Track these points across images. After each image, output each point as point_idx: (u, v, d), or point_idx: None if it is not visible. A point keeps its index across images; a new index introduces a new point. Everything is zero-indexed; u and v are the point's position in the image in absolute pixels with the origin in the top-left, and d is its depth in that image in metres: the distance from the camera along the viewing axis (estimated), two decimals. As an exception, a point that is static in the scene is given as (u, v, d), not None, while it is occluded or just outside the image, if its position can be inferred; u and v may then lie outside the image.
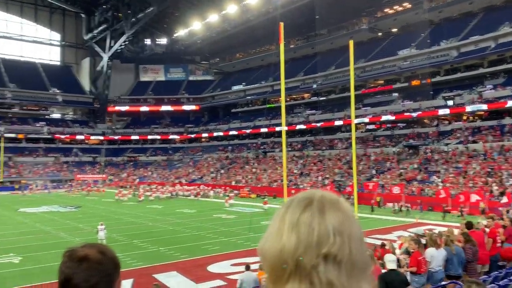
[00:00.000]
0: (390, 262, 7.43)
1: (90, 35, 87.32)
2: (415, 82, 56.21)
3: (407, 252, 10.28)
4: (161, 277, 15.11)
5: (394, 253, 10.31)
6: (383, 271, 8.25)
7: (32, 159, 73.71)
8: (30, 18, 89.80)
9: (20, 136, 75.28)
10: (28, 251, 19.85)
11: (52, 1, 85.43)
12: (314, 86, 68.86)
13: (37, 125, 79.10)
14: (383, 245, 12.38)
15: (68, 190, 60.80)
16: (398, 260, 9.65)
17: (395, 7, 64.57)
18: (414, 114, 52.54)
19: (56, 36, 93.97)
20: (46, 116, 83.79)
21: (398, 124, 56.21)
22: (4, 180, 65.20)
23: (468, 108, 47.64)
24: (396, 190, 37.67)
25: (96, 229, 21.56)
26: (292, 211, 0.82)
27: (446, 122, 51.55)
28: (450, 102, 50.05)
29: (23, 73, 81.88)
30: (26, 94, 79.87)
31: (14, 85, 78.83)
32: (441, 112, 50.24)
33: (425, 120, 54.21)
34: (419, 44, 57.74)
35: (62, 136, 79.64)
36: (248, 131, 74.65)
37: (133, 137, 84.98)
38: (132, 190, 54.03)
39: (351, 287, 0.78)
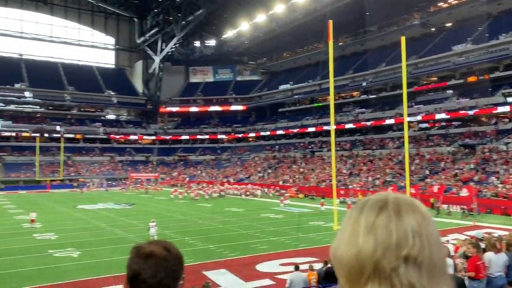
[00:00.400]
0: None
1: (142, 38, 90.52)
2: (471, 79, 53.59)
3: (464, 256, 9.82)
4: (210, 274, 15.32)
5: (449, 257, 9.87)
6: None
7: (89, 158, 77.44)
8: (87, 23, 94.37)
9: (78, 136, 79.33)
10: (85, 246, 20.82)
11: (107, 7, 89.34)
12: (364, 84, 67.39)
13: (93, 125, 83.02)
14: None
15: (123, 188, 63.19)
16: (455, 264, 9.24)
17: (449, 1, 61.87)
18: (471, 112, 50.10)
19: (111, 40, 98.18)
20: (102, 117, 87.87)
21: (453, 123, 53.84)
22: (63, 178, 68.89)
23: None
24: (464, 192, 35.53)
25: (148, 226, 22.27)
26: (367, 214, 0.82)
27: (506, 120, 48.72)
28: (511, 99, 47.30)
29: (80, 76, 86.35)
30: (83, 96, 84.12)
31: (73, 88, 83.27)
32: (500, 109, 47.59)
33: (482, 118, 51.58)
34: (475, 39, 55.00)
35: (117, 136, 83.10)
36: (295, 130, 74.34)
37: (183, 137, 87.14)
38: (186, 189, 55.22)
39: None
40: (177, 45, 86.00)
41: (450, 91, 57.06)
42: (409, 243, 0.78)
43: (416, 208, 0.83)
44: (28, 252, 19.83)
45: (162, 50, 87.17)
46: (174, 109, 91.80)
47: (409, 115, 52.75)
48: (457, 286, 7.10)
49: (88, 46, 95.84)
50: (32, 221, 26.76)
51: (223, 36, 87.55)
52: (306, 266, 11.64)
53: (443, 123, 54.98)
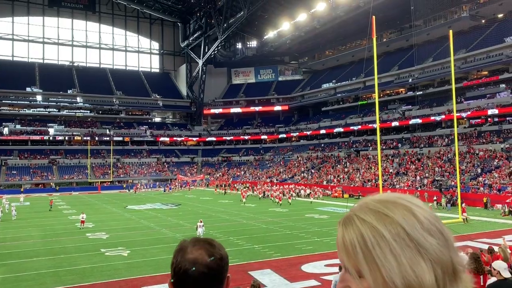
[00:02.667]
0: (503, 270, 6.74)
1: (186, 42, 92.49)
2: (526, 71, 50.77)
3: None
4: (255, 274, 15.36)
5: (506, 259, 9.37)
6: (492, 279, 7.55)
7: (137, 160, 79.98)
8: (133, 30, 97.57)
9: (127, 139, 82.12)
10: (135, 245, 21.49)
11: (152, 13, 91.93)
12: (410, 80, 65.40)
13: (140, 128, 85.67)
14: (491, 251, 11.35)
15: (169, 188, 64.59)
16: (511, 267, 8.77)
17: (501, -10, 58.83)
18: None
19: (156, 45, 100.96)
20: (149, 120, 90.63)
21: (507, 119, 51.14)
22: (113, 179, 71.52)
23: None
24: None
25: (195, 225, 22.77)
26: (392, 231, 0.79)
27: None
28: None
29: (127, 81, 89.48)
30: (131, 100, 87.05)
31: (120, 93, 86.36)
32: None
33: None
34: (530, 29, 52.06)
35: (163, 139, 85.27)
36: (339, 129, 73.28)
37: (227, 138, 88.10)
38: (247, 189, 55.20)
39: None
40: (219, 47, 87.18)
41: (503, 85, 54.25)
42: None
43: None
44: (81, 250, 20.74)
45: (205, 53, 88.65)
46: (217, 110, 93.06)
47: (459, 111, 50.78)
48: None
49: (135, 52, 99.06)
50: (82, 222, 27.72)
51: (264, 37, 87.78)
52: (352, 267, 11.41)
53: (496, 119, 52.36)
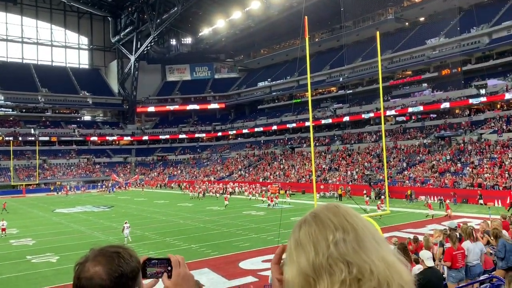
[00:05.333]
0: (427, 259, 7.19)
1: (117, 37, 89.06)
2: (445, 72, 54.71)
3: (440, 245, 9.99)
4: (193, 274, 15.18)
5: (427, 248, 10.01)
6: (418, 266, 8.02)
7: (65, 161, 75.96)
8: (59, 23, 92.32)
9: (54, 139, 77.67)
10: (64, 251, 20.41)
11: (79, 6, 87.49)
12: (341, 79, 68.00)
13: (69, 127, 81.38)
14: (415, 240, 12.07)
15: (101, 190, 62.19)
16: (433, 254, 9.38)
17: (422, -4, 62.86)
18: (447, 105, 51.01)
19: (84, 40, 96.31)
20: (78, 119, 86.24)
21: (430, 115, 54.83)
22: (39, 182, 67.40)
23: (508, 96, 45.41)
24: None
25: (122, 227, 22.25)
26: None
27: (479, 112, 49.84)
28: (483, 91, 48.44)
29: (54, 78, 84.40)
30: (58, 98, 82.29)
31: (46, 90, 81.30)
32: (473, 101, 48.72)
33: (456, 110, 52.68)
34: (448, 32, 56.14)
35: (93, 138, 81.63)
36: (275, 127, 74.52)
37: (162, 137, 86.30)
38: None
39: None
40: (152, 43, 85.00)
41: (425, 85, 58.10)
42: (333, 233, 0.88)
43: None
44: (4, 259, 19.33)
45: (137, 49, 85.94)
46: (152, 108, 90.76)
47: (386, 109, 53.66)
48: (437, 278, 7.20)
49: (61, 47, 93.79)
50: (3, 230, 25.48)
51: (199, 34, 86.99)
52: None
53: (419, 116, 55.97)
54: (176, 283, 1.18)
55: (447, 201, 29.87)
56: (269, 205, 35.59)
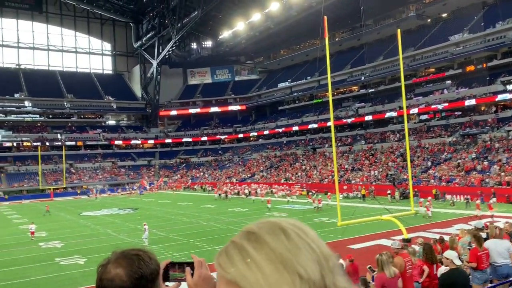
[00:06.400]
0: (454, 258, 7.08)
1: (139, 43, 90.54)
2: (469, 68, 53.54)
3: (469, 245, 9.83)
4: (213, 276, 15.30)
5: (452, 248, 9.85)
6: (443, 267, 7.93)
7: (91, 165, 77.53)
8: (83, 30, 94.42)
9: (79, 143, 79.39)
10: (91, 253, 20.86)
11: (102, 13, 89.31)
12: (362, 78, 67.36)
13: (94, 132, 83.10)
14: (441, 240, 11.90)
15: (129, 193, 63.18)
16: (459, 255, 9.23)
17: (444, -9, 61.70)
18: (472, 102, 49.91)
19: (108, 46, 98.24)
20: (102, 124, 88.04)
21: (455, 113, 53.73)
22: (66, 185, 68.97)
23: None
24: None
25: (143, 228, 22.63)
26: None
27: (506, 108, 48.54)
28: (510, 87, 47.20)
29: (79, 84, 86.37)
30: (83, 103, 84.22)
31: (72, 96, 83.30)
32: (500, 97, 47.51)
33: (482, 107, 51.48)
34: (472, 28, 54.92)
35: (118, 142, 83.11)
36: (296, 128, 74.32)
37: (185, 140, 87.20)
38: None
39: None
40: (173, 48, 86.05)
41: (449, 82, 56.99)
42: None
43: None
44: (34, 261, 19.90)
45: (159, 53, 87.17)
46: (174, 112, 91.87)
47: (409, 107, 52.80)
48: (462, 278, 7.09)
49: (85, 53, 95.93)
50: (32, 233, 26.01)
51: (219, 37, 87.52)
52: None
53: (443, 114, 54.90)
54: (196, 284, 1.20)
55: (490, 200, 28.82)
56: (317, 207, 33.14)
